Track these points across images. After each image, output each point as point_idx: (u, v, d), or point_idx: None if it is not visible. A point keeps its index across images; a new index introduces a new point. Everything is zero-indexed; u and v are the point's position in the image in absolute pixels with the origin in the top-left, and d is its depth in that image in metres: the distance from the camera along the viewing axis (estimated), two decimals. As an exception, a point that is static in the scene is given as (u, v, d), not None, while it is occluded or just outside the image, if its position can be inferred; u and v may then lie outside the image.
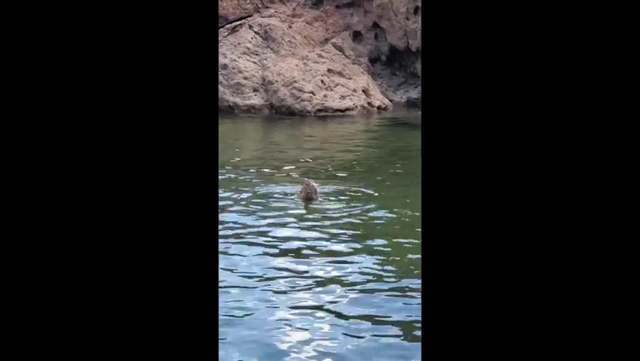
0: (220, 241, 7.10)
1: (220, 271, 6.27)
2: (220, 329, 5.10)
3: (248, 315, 5.35)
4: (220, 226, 7.66)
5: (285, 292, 5.80)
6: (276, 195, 9.08)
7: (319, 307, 5.49)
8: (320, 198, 8.79)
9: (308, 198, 8.58)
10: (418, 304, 5.43)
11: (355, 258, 6.64)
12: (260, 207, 8.49)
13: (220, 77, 17.98)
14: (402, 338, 4.99)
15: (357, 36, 19.55)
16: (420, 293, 5.47)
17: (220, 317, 5.08)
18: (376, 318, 5.28)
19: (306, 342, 4.90)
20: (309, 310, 5.44)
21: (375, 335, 5.00)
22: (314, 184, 8.85)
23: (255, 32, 18.65)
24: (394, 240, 7.17)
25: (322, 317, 5.31)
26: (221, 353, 4.51)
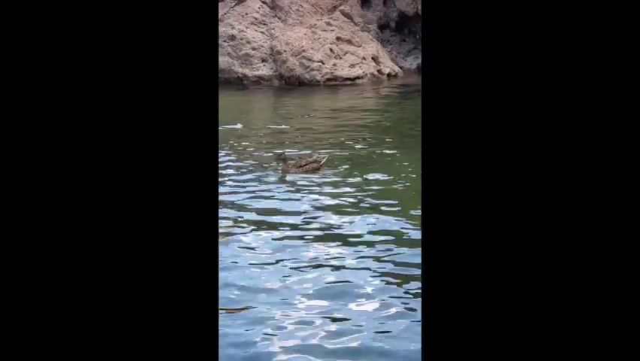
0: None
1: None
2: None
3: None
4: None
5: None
6: (267, 166, 9.11)
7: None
8: (325, 167, 8.80)
9: (286, 170, 8.64)
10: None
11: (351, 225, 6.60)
12: (252, 179, 8.53)
13: (228, 49, 17.89)
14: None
15: (365, 2, 19.35)
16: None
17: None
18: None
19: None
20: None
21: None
22: (292, 158, 8.89)
23: (262, 2, 18.49)
24: (398, 207, 7.12)
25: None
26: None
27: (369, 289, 5.27)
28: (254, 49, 17.91)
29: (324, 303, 5.08)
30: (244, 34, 18.00)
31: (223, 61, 17.81)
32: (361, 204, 7.36)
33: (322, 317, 4.85)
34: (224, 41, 17.91)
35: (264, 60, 17.87)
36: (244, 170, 9.03)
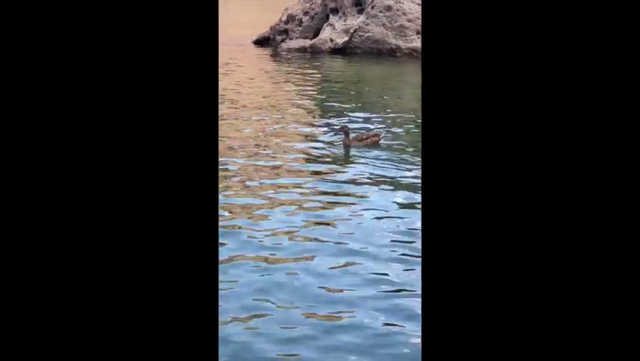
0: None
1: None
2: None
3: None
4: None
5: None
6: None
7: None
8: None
9: (347, 142, 8.70)
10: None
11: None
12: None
13: (384, 19, 17.84)
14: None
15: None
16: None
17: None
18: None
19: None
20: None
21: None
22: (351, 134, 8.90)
23: (422, -27, 18.30)
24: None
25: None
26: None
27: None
28: (409, 20, 17.78)
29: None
30: (400, 4, 17.89)
31: (377, 31, 17.79)
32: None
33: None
34: (380, 12, 17.87)
35: (418, 32, 17.69)
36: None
